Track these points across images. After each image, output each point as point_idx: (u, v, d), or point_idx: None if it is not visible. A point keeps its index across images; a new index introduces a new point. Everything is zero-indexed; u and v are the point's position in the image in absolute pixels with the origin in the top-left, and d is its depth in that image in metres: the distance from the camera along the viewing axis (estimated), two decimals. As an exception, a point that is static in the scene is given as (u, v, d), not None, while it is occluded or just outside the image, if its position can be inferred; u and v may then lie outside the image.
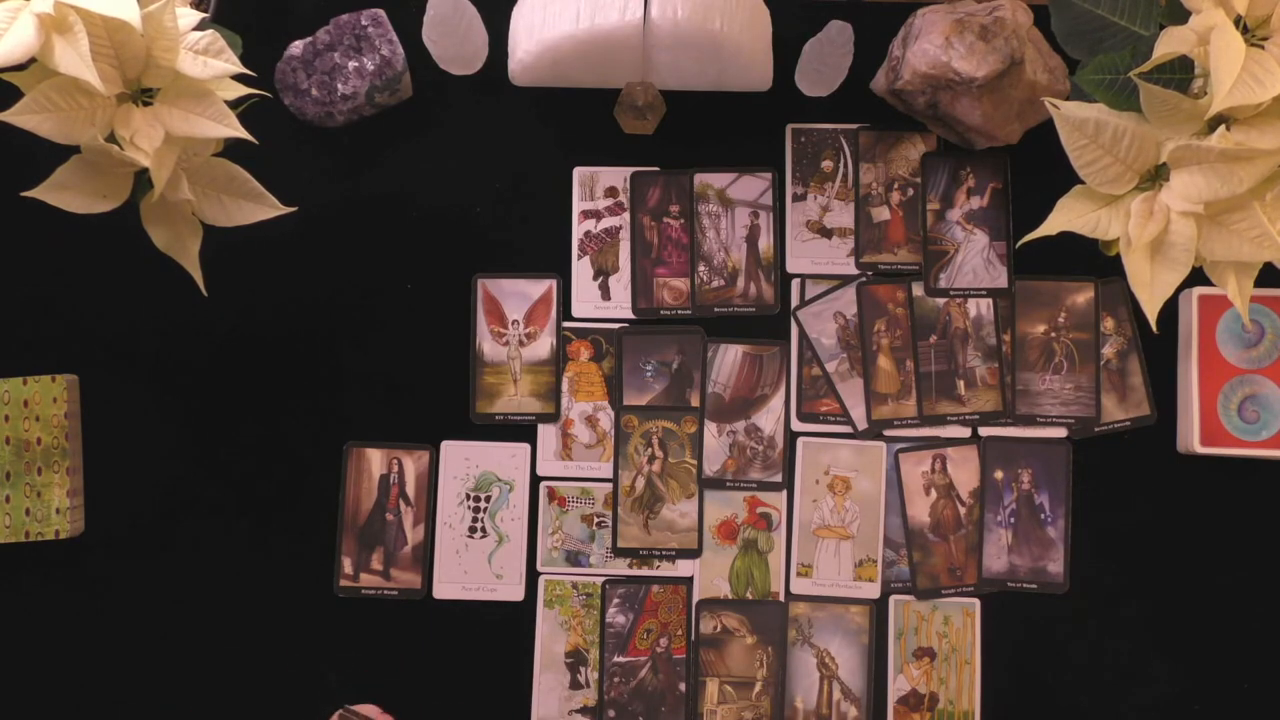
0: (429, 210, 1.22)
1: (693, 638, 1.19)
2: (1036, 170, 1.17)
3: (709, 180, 1.23)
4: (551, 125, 1.23)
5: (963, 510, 1.20)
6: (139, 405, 1.20)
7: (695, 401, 1.21)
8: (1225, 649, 1.19)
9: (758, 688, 1.19)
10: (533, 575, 1.20)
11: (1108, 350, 1.21)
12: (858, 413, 1.21)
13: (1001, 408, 1.20)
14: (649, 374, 1.21)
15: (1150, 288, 0.96)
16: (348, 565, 1.19)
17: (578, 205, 1.23)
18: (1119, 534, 1.20)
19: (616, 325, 1.22)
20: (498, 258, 1.22)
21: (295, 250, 1.20)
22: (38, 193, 0.97)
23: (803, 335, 1.22)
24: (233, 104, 0.97)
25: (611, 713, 1.18)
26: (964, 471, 1.20)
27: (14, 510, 1.16)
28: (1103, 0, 0.97)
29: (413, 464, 1.20)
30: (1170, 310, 1.20)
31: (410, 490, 1.20)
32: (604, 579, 1.20)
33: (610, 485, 1.21)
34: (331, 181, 1.22)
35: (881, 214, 1.23)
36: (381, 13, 1.20)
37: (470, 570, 1.19)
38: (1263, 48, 0.90)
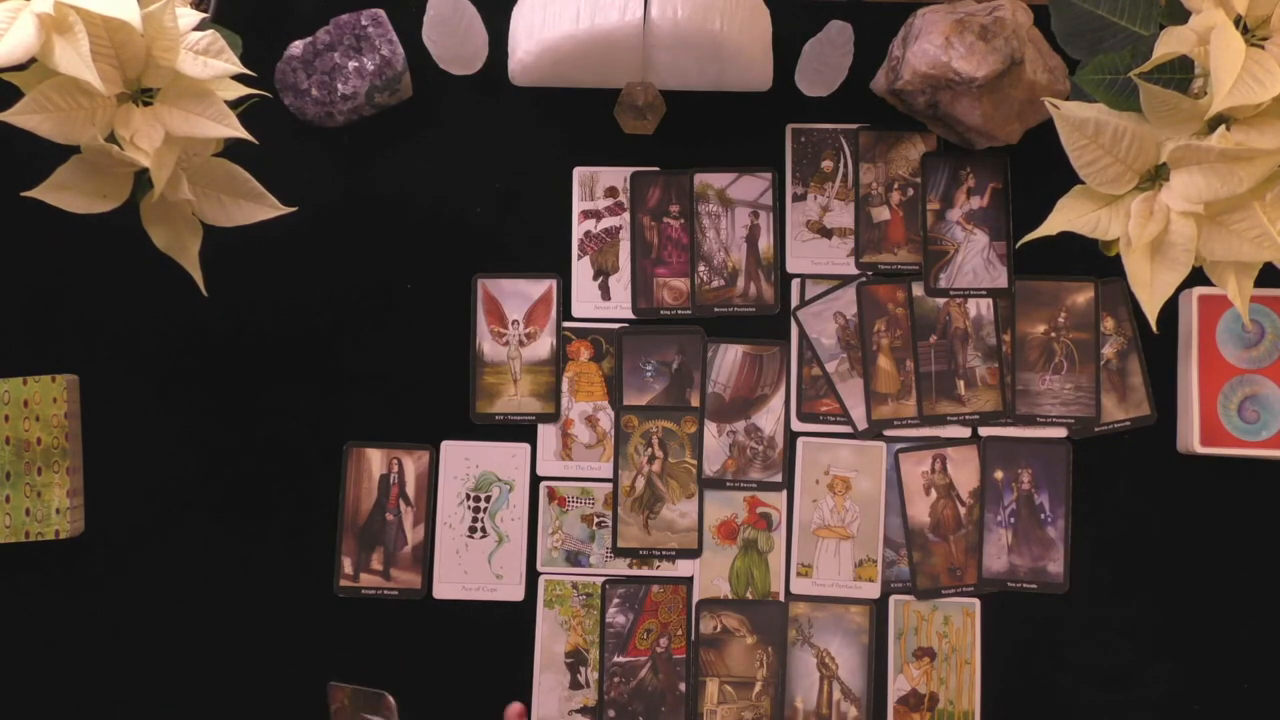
0: (429, 210, 1.22)
1: (693, 638, 1.19)
2: (1036, 170, 1.17)
3: (709, 180, 1.23)
4: (551, 125, 1.23)
5: (963, 510, 1.20)
6: (139, 405, 1.20)
7: (695, 401, 1.21)
8: (1225, 649, 1.19)
9: (758, 688, 1.19)
10: (533, 575, 1.20)
11: (1108, 350, 1.21)
12: (858, 413, 1.21)
13: (1001, 408, 1.20)
14: (649, 374, 1.21)
15: (1150, 288, 0.96)
16: (348, 565, 1.19)
17: (578, 205, 1.23)
18: (1119, 534, 1.20)
19: (616, 325, 1.22)
20: (498, 258, 1.22)
21: (295, 250, 1.20)
22: (38, 193, 0.97)
23: (803, 335, 1.22)
24: (233, 104, 0.97)
25: (611, 713, 1.19)
26: (964, 471, 1.20)
27: (14, 510, 1.16)
28: (1103, 0, 0.97)
29: (413, 464, 1.20)
30: (1170, 310, 1.20)
31: (410, 490, 1.20)
32: (604, 579, 1.20)
33: (610, 485, 1.21)
34: (331, 181, 1.22)
35: (881, 214, 1.23)
36: (381, 13, 1.20)
37: (470, 570, 1.20)
38: (1263, 48, 0.90)
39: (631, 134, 1.23)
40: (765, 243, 1.22)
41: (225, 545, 1.19)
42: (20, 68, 0.91)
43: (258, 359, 1.21)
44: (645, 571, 1.20)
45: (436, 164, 1.22)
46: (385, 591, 1.19)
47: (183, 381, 1.21)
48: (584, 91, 1.22)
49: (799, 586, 1.20)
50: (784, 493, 1.20)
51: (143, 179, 0.99)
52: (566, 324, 1.22)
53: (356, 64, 1.18)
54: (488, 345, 1.21)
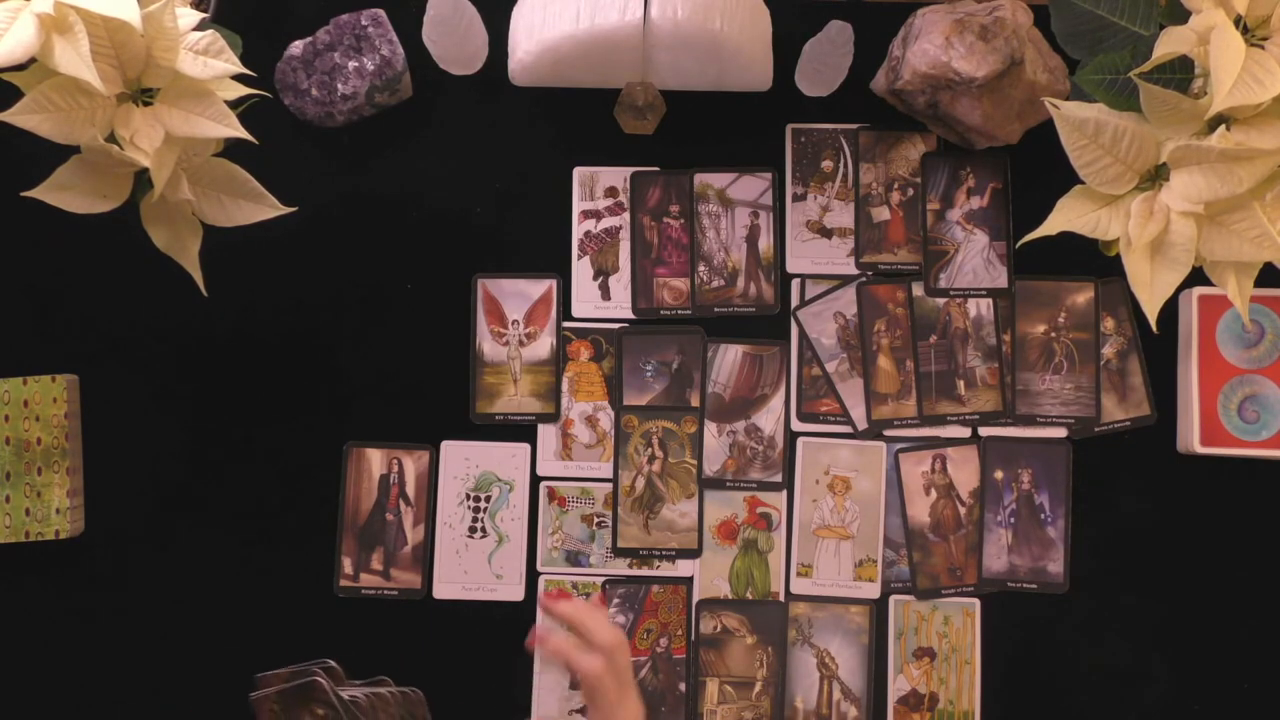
0: (429, 210, 1.22)
1: (693, 638, 1.19)
2: (1036, 170, 1.17)
3: (709, 180, 1.23)
4: (551, 125, 1.23)
5: (963, 510, 1.20)
6: (139, 405, 1.20)
7: (695, 401, 1.21)
8: (1225, 649, 1.19)
9: (758, 688, 1.19)
10: (533, 575, 1.20)
11: (1108, 350, 1.21)
12: (858, 413, 1.21)
13: (1001, 408, 1.20)
14: (649, 374, 1.21)
15: (1150, 288, 0.96)
16: (348, 565, 1.19)
17: (578, 205, 1.23)
18: (1119, 534, 1.20)
19: (616, 325, 1.22)
20: (498, 258, 1.22)
21: (295, 250, 1.20)
22: (38, 193, 0.97)
23: (803, 335, 1.22)
24: (233, 104, 0.97)
25: (611, 713, 1.18)
26: (964, 471, 1.20)
27: (14, 510, 1.16)
28: (1103, 0, 0.97)
29: (413, 464, 1.20)
30: (1170, 310, 1.20)
31: (410, 490, 1.20)
32: (604, 579, 1.20)
33: (610, 485, 1.21)
34: (331, 181, 1.22)
35: (881, 214, 1.23)
36: (381, 13, 1.20)
37: (470, 570, 1.19)
38: (1263, 48, 0.90)
39: (631, 134, 1.23)
40: (765, 243, 1.22)
41: (225, 545, 1.19)
42: (20, 68, 0.91)
43: (258, 359, 1.21)
44: (645, 571, 1.20)
45: (436, 164, 1.22)
46: (385, 591, 1.19)
47: (183, 381, 1.21)
48: (584, 91, 1.22)
49: (799, 586, 1.20)
50: (784, 493, 1.20)
51: (143, 179, 0.99)
52: (566, 324, 1.22)
53: (356, 64, 1.18)
54: (488, 345, 1.21)
